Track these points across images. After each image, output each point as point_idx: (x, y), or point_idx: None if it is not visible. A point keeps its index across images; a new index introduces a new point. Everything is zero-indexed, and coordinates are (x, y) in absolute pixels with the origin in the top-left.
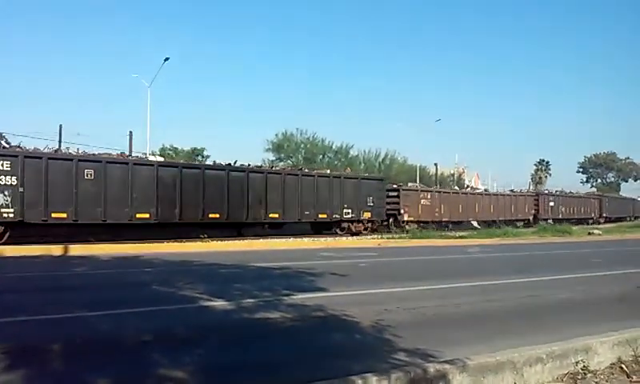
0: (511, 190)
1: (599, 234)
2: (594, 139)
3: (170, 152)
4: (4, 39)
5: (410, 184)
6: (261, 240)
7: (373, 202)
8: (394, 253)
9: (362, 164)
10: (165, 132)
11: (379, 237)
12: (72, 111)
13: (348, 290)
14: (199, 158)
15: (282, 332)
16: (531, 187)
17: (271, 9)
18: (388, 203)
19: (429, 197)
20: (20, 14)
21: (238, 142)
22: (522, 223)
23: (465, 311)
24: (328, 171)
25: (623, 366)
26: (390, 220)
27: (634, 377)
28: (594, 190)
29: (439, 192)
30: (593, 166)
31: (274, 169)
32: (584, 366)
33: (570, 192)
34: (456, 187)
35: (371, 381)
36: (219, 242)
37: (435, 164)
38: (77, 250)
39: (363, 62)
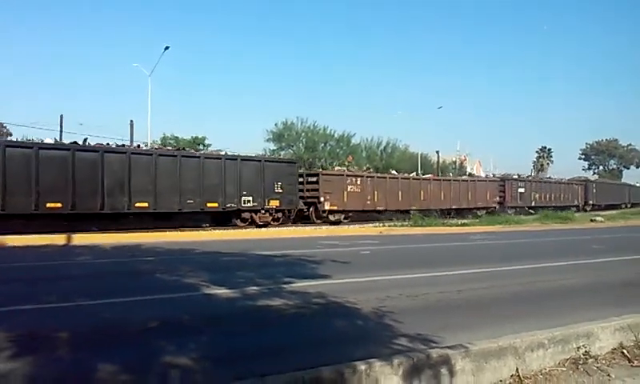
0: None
1: (602, 221)
2: (596, 126)
3: (172, 141)
4: (3, 29)
5: (337, 168)
6: (262, 229)
7: (282, 189)
8: (395, 240)
9: (364, 152)
10: (167, 121)
11: (381, 224)
12: (73, 101)
13: (350, 277)
14: (200, 147)
15: (285, 319)
16: (533, 174)
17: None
18: (308, 190)
19: (358, 182)
20: (21, 3)
21: (239, 131)
22: (484, 212)
23: (467, 297)
24: (223, 152)
25: (625, 350)
26: (311, 209)
27: (635, 362)
28: (596, 176)
29: (371, 177)
30: (595, 153)
31: (142, 148)
32: (585, 351)
33: (549, 177)
34: (393, 172)
35: (375, 366)
36: (220, 230)
37: (437, 152)
38: (79, 239)
39: (364, 50)
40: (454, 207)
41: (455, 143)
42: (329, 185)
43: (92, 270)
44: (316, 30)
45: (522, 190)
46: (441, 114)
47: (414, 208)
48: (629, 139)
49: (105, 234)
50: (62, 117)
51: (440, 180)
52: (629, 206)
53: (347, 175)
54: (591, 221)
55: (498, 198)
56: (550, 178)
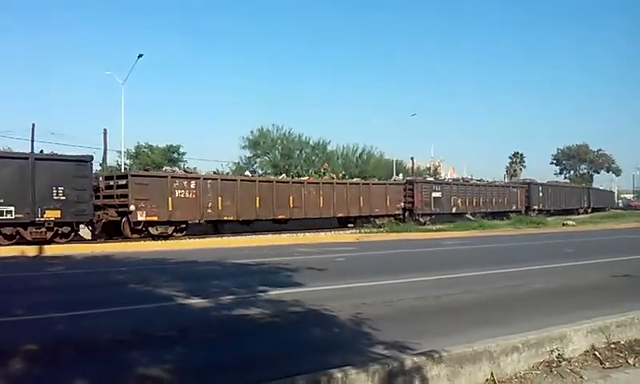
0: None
1: (573, 226)
2: (567, 132)
3: (145, 150)
4: None
5: (166, 168)
6: (238, 237)
7: (65, 195)
8: (371, 247)
9: (340, 159)
10: (140, 128)
11: (358, 231)
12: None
13: (326, 284)
14: (175, 155)
15: (261, 328)
16: (506, 179)
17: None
18: (118, 196)
19: (192, 186)
20: None
21: (214, 139)
22: (388, 219)
23: (443, 303)
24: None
25: (597, 352)
26: (123, 220)
27: (606, 363)
28: (567, 181)
29: (213, 180)
30: (566, 158)
31: None
32: (559, 354)
33: (480, 179)
34: (247, 173)
35: (350, 374)
36: (196, 239)
37: (412, 158)
38: (51, 249)
39: (340, 57)
40: (339, 215)
41: (429, 149)
42: (144, 189)
43: (63, 281)
44: (291, 37)
45: (437, 194)
46: (415, 120)
47: (281, 217)
48: (599, 144)
49: (77, 245)
50: (33, 126)
51: (319, 183)
52: (589, 211)
53: (174, 177)
54: (563, 225)
55: (402, 204)
56: (481, 180)
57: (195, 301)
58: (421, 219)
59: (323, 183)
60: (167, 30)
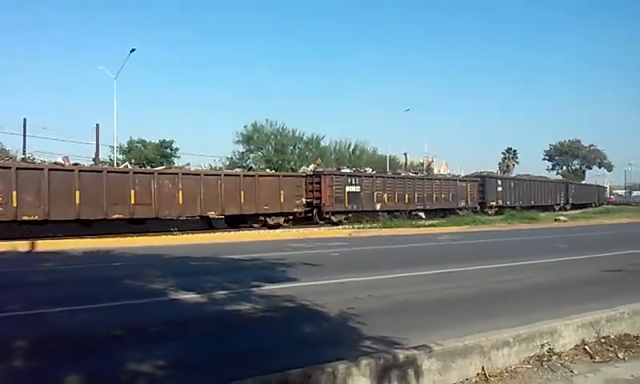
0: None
1: (565, 221)
2: (560, 127)
3: (138, 145)
4: None
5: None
6: (232, 232)
7: None
8: (364, 242)
9: (333, 154)
10: (134, 124)
11: (351, 227)
12: (37, 104)
13: (319, 279)
14: (168, 150)
15: (253, 323)
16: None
17: None
18: None
19: None
20: None
21: (208, 134)
22: (285, 218)
23: (434, 298)
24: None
25: (587, 347)
26: None
27: (597, 357)
28: (560, 176)
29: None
30: (558, 154)
31: None
32: (549, 349)
33: (415, 172)
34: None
35: (342, 368)
36: (189, 234)
37: (405, 153)
38: (45, 245)
39: (334, 54)
40: (208, 214)
41: (423, 145)
42: None
43: (57, 277)
44: (285, 33)
45: (353, 188)
46: (409, 116)
47: (117, 216)
48: (591, 140)
49: (72, 240)
50: (25, 120)
51: (177, 174)
52: (567, 207)
53: None
54: (555, 220)
55: (304, 200)
56: (416, 173)
57: (189, 296)
58: (333, 218)
59: (184, 174)
60: (160, 25)
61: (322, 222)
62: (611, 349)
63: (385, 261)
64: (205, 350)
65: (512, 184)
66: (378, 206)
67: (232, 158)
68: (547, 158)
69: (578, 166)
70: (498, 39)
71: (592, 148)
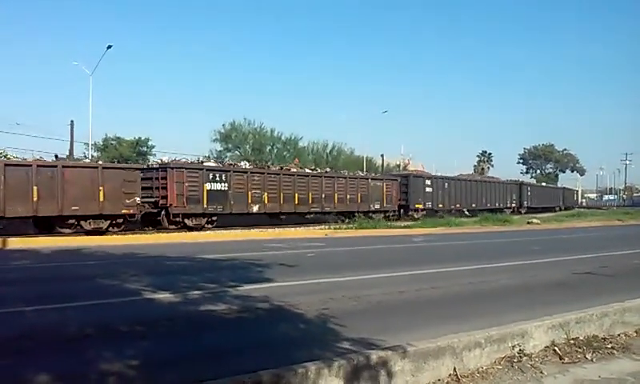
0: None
1: (538, 223)
2: (535, 132)
3: (114, 142)
4: None
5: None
6: (208, 232)
7: None
8: (341, 243)
9: (310, 155)
10: (108, 120)
11: (326, 227)
12: (9, 99)
13: (294, 280)
14: (143, 149)
15: (228, 323)
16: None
17: None
18: None
19: None
20: None
21: (184, 132)
22: (109, 223)
23: (409, 299)
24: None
25: (556, 348)
26: None
27: (566, 358)
28: (534, 180)
29: None
30: (532, 158)
31: None
32: (520, 350)
33: (314, 168)
34: None
35: (315, 369)
36: (166, 233)
37: (382, 155)
38: (16, 243)
39: (311, 54)
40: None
41: (399, 147)
42: None
43: (29, 275)
44: (265, 32)
45: (217, 186)
46: (386, 118)
47: None
48: (564, 144)
49: (44, 238)
50: None
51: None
52: (522, 211)
53: None
54: (528, 223)
55: (137, 200)
56: (314, 169)
57: (163, 296)
58: (188, 222)
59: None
60: (137, 21)
61: (173, 227)
62: (580, 350)
63: (360, 262)
64: (178, 349)
65: (446, 185)
66: (255, 208)
67: (209, 157)
68: (521, 161)
69: (551, 170)
70: (474, 44)
71: (565, 152)
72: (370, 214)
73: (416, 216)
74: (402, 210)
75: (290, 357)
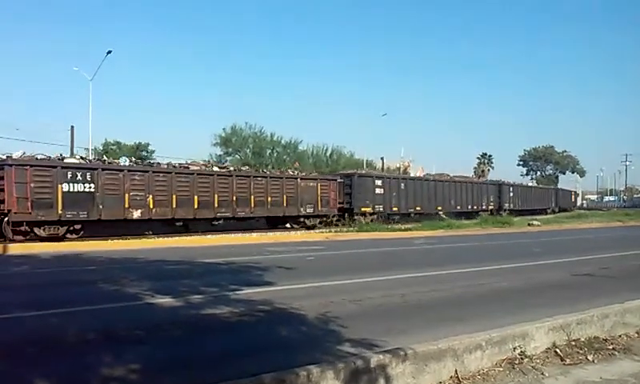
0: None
1: (539, 226)
2: (535, 133)
3: (114, 147)
4: None
5: None
6: (209, 236)
7: None
8: (341, 246)
9: (311, 158)
10: (109, 125)
11: (327, 230)
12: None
13: (295, 283)
14: (144, 153)
15: (229, 327)
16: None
17: None
18: None
19: None
20: None
21: (185, 136)
22: None
23: (410, 301)
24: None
25: (557, 350)
26: None
27: (567, 360)
28: (534, 182)
29: None
30: (532, 159)
31: None
32: (521, 352)
33: (223, 166)
34: None
35: (316, 372)
36: (165, 238)
37: (382, 158)
38: (16, 248)
39: (310, 59)
40: None
41: (399, 149)
42: None
43: (29, 281)
44: (262, 35)
45: (80, 187)
46: (386, 121)
47: None
48: (564, 146)
49: (45, 244)
50: None
51: None
52: (503, 214)
53: None
54: (529, 225)
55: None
56: (223, 166)
57: (164, 300)
58: (40, 232)
59: None
60: (137, 27)
61: (20, 238)
62: (581, 351)
63: (361, 265)
64: (179, 353)
65: (402, 185)
66: (136, 214)
67: (208, 161)
68: (522, 163)
69: (551, 172)
70: (474, 45)
71: (565, 154)
72: (302, 220)
73: (363, 221)
74: (345, 215)
75: (292, 360)
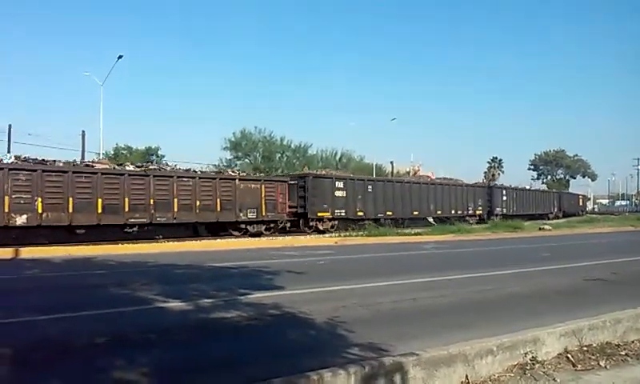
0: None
1: (549, 230)
2: (546, 137)
3: (124, 152)
4: None
5: None
6: (218, 240)
7: None
8: (351, 250)
9: (320, 162)
10: (120, 131)
11: (337, 234)
12: (22, 110)
13: (305, 287)
14: (153, 157)
15: (239, 331)
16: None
17: (228, 4)
18: None
19: None
20: None
21: (195, 141)
22: None
23: (420, 306)
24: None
25: (569, 355)
26: None
27: (579, 365)
28: (545, 186)
29: None
30: (543, 163)
31: None
32: (532, 357)
33: (141, 165)
34: None
35: (327, 376)
36: (174, 242)
37: (391, 162)
38: (28, 252)
39: (320, 61)
40: None
41: (409, 154)
42: None
43: (40, 285)
44: (274, 41)
45: None
46: (395, 126)
47: None
48: (575, 150)
49: (55, 247)
50: (10, 127)
51: None
52: (495, 219)
53: None
54: (540, 229)
55: None
56: (119, 164)
57: (174, 304)
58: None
59: None
60: (147, 32)
61: None
62: (593, 357)
63: (371, 269)
64: (189, 357)
65: (369, 188)
66: (21, 220)
67: (219, 165)
68: (532, 167)
69: (562, 176)
70: (483, 50)
71: (576, 158)
72: (242, 226)
73: (321, 227)
74: (300, 221)
75: (302, 364)
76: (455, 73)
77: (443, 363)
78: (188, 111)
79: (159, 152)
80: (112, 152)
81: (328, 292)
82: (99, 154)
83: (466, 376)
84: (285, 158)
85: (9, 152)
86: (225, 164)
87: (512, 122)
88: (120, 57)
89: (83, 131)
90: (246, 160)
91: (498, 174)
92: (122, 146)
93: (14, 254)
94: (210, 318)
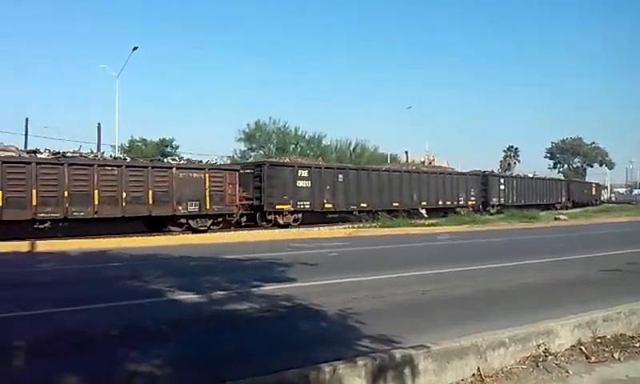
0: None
1: (565, 220)
2: (562, 125)
3: (139, 144)
4: None
5: None
6: (232, 232)
7: None
8: (364, 242)
9: (334, 153)
10: (135, 122)
11: (350, 226)
12: (38, 103)
13: (317, 279)
14: (168, 149)
15: (252, 323)
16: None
17: None
18: None
19: None
20: None
21: (210, 132)
22: None
23: (432, 298)
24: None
25: (582, 347)
26: None
27: (592, 358)
28: (561, 175)
29: None
30: (560, 152)
31: None
32: (545, 349)
33: (89, 155)
34: None
35: (339, 368)
36: (187, 235)
37: (406, 152)
38: (44, 245)
39: (335, 51)
40: None
41: (424, 143)
42: None
43: (56, 278)
44: (288, 31)
45: None
46: (410, 114)
47: None
48: (592, 138)
49: (70, 240)
50: (27, 120)
51: None
52: (494, 210)
53: None
54: (555, 219)
55: None
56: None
57: (187, 296)
58: None
59: None
60: (161, 23)
61: None
62: (607, 349)
63: (383, 261)
64: (203, 349)
65: (340, 176)
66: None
67: (233, 156)
68: (549, 156)
69: (579, 164)
70: (499, 38)
71: (593, 146)
72: (181, 221)
73: (281, 221)
74: (257, 214)
75: (314, 356)
76: (470, 62)
77: (455, 355)
78: (204, 103)
79: (174, 143)
80: (127, 144)
81: (340, 284)
82: (114, 146)
83: (478, 368)
84: (299, 149)
85: None
86: (239, 155)
87: (528, 110)
88: (135, 48)
89: (99, 123)
90: (261, 151)
91: (514, 163)
92: (137, 138)
93: (30, 247)
94: (223, 309)
